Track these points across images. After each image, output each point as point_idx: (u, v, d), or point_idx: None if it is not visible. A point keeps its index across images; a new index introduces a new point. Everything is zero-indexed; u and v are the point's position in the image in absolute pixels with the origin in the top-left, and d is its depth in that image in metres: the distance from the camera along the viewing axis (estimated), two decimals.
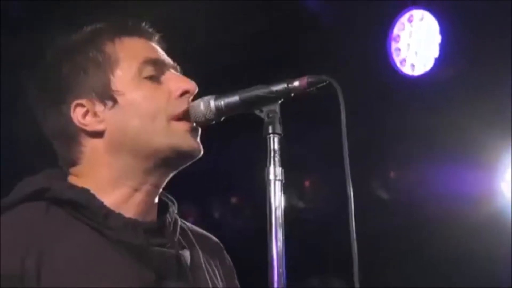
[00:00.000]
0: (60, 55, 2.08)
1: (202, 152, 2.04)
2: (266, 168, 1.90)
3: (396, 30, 4.79)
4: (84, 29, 2.11)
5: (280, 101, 1.96)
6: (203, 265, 2.14)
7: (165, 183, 2.09)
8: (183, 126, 2.02)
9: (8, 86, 5.16)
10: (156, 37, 2.13)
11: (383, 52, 4.80)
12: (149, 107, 2.01)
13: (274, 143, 1.91)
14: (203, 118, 2.01)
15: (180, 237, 2.11)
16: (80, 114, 2.03)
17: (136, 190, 2.03)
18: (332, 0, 4.91)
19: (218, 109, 1.99)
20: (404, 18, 4.81)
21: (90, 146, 2.04)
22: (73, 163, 2.07)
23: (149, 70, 2.04)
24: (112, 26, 2.10)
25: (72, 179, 2.06)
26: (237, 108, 1.99)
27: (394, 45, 4.80)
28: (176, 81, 2.06)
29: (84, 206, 1.97)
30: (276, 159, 1.90)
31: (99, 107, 2.02)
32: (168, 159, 2.03)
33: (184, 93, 2.04)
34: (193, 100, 2.06)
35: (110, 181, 2.03)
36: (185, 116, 2.03)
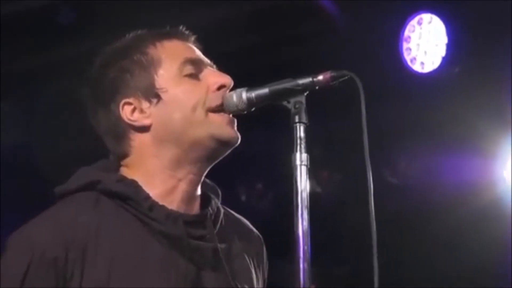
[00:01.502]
0: (107, 61, 2.08)
1: (239, 141, 2.03)
2: (293, 154, 1.88)
3: (407, 32, 4.77)
4: (126, 36, 2.12)
5: (305, 93, 1.94)
6: (240, 258, 2.11)
7: (206, 172, 2.07)
8: (220, 118, 2.02)
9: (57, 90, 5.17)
10: (193, 39, 2.13)
11: (396, 51, 4.78)
12: (190, 100, 2.01)
13: (300, 131, 1.89)
14: (235, 108, 2.00)
15: (221, 229, 2.08)
16: (128, 111, 2.03)
17: (180, 180, 2.02)
18: (349, 6, 4.88)
19: (249, 100, 1.98)
20: (414, 21, 4.78)
21: (138, 140, 2.04)
22: (123, 156, 2.07)
23: (188, 69, 2.04)
24: (153, 31, 2.11)
25: (123, 170, 2.06)
26: (267, 100, 1.98)
27: (405, 45, 4.78)
28: (214, 77, 2.06)
29: (131, 198, 1.97)
30: (302, 146, 1.88)
31: (145, 104, 2.03)
32: (209, 149, 2.01)
33: (221, 87, 2.04)
34: None
35: (157, 171, 2.02)
36: (221, 107, 2.02)
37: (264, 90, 1.97)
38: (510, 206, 4.93)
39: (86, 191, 1.99)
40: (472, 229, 4.95)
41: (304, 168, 1.87)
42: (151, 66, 2.04)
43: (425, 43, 4.73)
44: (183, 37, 2.11)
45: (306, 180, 1.87)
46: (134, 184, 1.99)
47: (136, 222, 1.96)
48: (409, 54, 4.77)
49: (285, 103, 1.94)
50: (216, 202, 2.11)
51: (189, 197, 2.04)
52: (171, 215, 1.97)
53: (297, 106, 1.92)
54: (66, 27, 4.87)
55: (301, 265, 1.81)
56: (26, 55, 5.19)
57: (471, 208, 4.99)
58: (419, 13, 4.77)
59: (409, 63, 4.76)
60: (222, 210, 2.11)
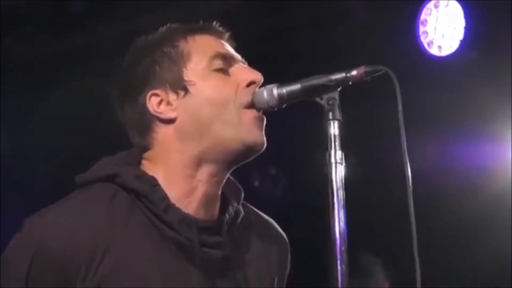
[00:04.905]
0: (139, 53, 2.05)
1: (265, 146, 1.98)
2: (327, 152, 1.83)
3: (423, 15, 4.71)
4: (159, 29, 2.08)
5: (339, 89, 1.89)
6: (257, 263, 2.07)
7: (227, 176, 2.02)
8: (252, 115, 1.96)
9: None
10: (226, 36, 2.09)
11: (412, 35, 4.72)
12: (219, 96, 1.96)
13: (334, 128, 1.85)
14: (266, 105, 1.96)
15: (239, 233, 2.04)
16: (155, 103, 1.99)
17: (200, 181, 1.97)
18: None
19: (281, 97, 1.94)
20: (430, 4, 4.72)
21: (161, 132, 2.00)
22: (146, 148, 2.02)
23: (218, 63, 2.00)
24: (185, 26, 2.07)
25: (145, 164, 2.02)
26: (298, 96, 1.93)
27: (421, 29, 4.71)
28: (244, 73, 2.01)
29: (147, 197, 1.92)
30: (337, 143, 1.84)
31: (172, 96, 1.98)
32: (233, 151, 1.96)
33: (251, 83, 1.99)
34: None
35: (178, 168, 1.97)
36: (251, 104, 1.97)
37: (296, 86, 1.92)
38: None
39: (105, 182, 1.96)
40: (486, 214, 4.92)
41: (339, 166, 1.83)
42: (180, 59, 2.00)
43: (442, 26, 4.67)
44: (216, 33, 2.07)
45: (342, 179, 1.82)
46: (152, 181, 1.95)
47: (148, 224, 1.92)
48: (426, 37, 4.70)
49: (317, 99, 1.89)
50: (235, 206, 2.04)
51: (208, 200, 1.98)
52: (185, 220, 1.92)
53: (330, 102, 1.87)
54: (78, 15, 4.84)
55: (339, 267, 1.77)
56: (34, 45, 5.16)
57: (485, 193, 4.96)
58: None
59: (426, 46, 4.70)
60: (241, 213, 2.05)
